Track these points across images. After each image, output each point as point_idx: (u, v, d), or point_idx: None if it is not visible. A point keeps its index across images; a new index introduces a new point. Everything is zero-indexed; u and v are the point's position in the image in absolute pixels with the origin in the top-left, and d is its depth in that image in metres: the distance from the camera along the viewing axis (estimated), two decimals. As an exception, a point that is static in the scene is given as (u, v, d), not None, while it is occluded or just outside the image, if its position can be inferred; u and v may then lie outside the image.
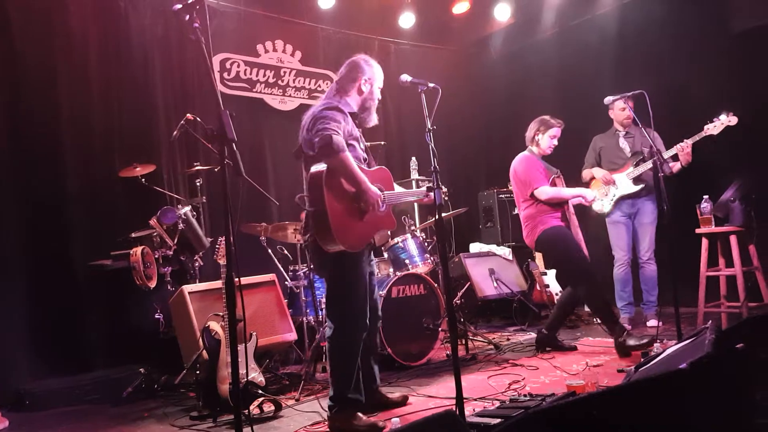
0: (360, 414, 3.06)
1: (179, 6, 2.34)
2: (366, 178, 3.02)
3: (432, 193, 2.88)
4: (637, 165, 4.89)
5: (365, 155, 3.27)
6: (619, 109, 5.03)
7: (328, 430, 3.09)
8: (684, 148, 4.49)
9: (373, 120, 3.35)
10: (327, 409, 3.12)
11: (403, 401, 3.41)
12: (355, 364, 3.10)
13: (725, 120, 4.45)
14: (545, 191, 4.34)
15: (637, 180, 4.91)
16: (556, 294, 5.63)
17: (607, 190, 5.04)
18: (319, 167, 2.95)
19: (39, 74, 4.58)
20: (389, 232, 5.04)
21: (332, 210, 2.90)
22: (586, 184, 5.20)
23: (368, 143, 5.14)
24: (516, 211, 5.01)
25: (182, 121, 4.16)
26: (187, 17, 2.32)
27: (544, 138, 4.46)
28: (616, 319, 4.16)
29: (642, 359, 3.06)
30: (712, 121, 4.49)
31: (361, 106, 3.27)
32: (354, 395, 3.09)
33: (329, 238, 2.91)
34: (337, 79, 3.28)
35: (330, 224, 2.87)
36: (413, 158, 5.89)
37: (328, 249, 2.96)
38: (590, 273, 4.22)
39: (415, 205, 5.72)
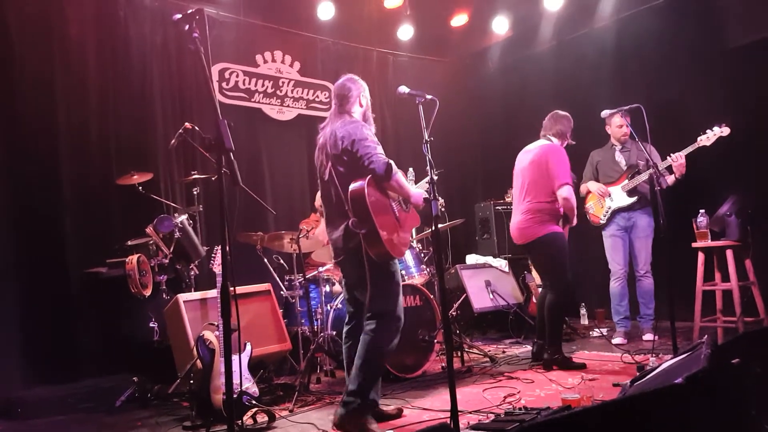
0: (373, 419, 3.11)
1: (179, 16, 2.36)
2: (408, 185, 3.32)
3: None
4: (632, 178, 4.92)
5: None
6: (617, 126, 5.07)
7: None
8: (677, 158, 4.52)
9: (373, 129, 3.44)
10: (341, 405, 3.12)
11: (397, 414, 3.40)
12: (384, 368, 3.22)
13: (718, 131, 4.50)
14: (570, 191, 4.19)
15: (631, 192, 4.94)
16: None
17: (603, 202, 5.07)
18: (357, 185, 3.09)
19: (37, 81, 4.59)
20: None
21: (380, 225, 3.06)
22: (583, 199, 5.23)
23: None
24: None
25: (180, 130, 4.17)
26: (187, 27, 2.33)
27: (568, 139, 4.48)
28: (560, 339, 4.38)
29: (638, 373, 3.06)
30: (705, 133, 4.53)
31: (363, 118, 3.38)
32: (374, 396, 3.15)
33: (384, 253, 3.08)
34: (338, 102, 3.36)
35: (382, 240, 3.05)
36: (410, 169, 5.85)
37: (376, 256, 3.09)
38: (568, 288, 4.38)
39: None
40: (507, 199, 6.59)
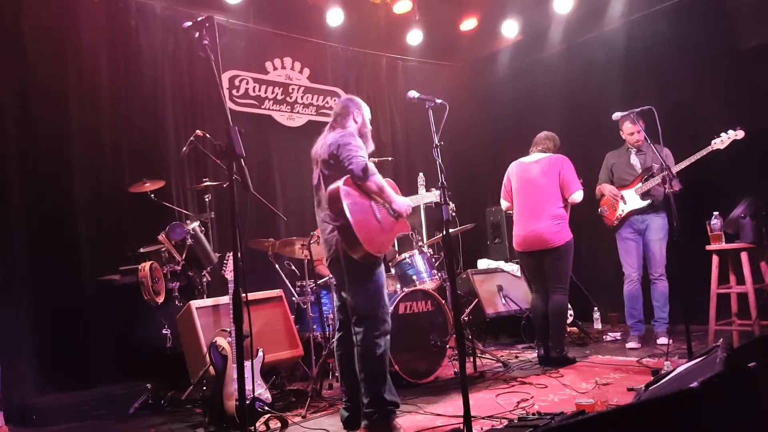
0: (397, 422, 3.18)
1: (189, 24, 2.38)
2: (392, 191, 3.34)
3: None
4: (646, 180, 4.89)
5: None
6: (628, 133, 5.05)
7: None
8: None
9: (371, 146, 3.53)
10: (365, 418, 3.16)
11: None
12: (387, 365, 3.25)
13: (732, 134, 4.48)
14: (582, 195, 4.56)
15: (645, 195, 4.91)
16: (570, 313, 5.61)
17: (617, 206, 5.04)
18: (335, 185, 3.19)
19: (50, 90, 4.63)
20: (396, 248, 5.07)
21: (355, 220, 3.10)
22: (598, 201, 5.21)
23: (376, 159, 5.19)
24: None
25: (192, 137, 4.19)
26: (197, 35, 2.36)
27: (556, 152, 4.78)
28: (564, 338, 4.68)
29: (652, 377, 3.03)
30: (718, 136, 4.50)
31: (358, 133, 3.44)
32: (390, 397, 3.20)
33: (357, 246, 3.12)
34: (333, 119, 3.50)
35: (356, 233, 3.08)
36: (420, 174, 5.87)
37: (356, 255, 3.14)
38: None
39: (423, 220, 5.72)
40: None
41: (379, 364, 3.19)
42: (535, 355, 4.79)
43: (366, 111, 3.53)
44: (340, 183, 3.17)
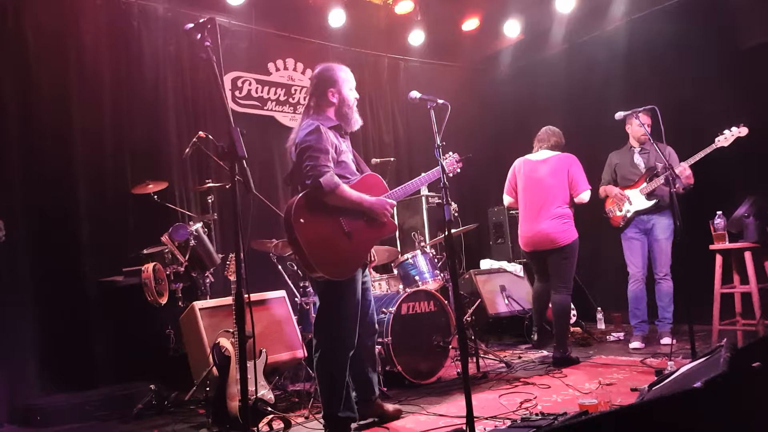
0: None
1: (191, 25, 2.38)
2: (365, 195, 3.14)
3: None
4: (650, 180, 4.88)
5: (355, 166, 3.33)
6: (637, 125, 4.98)
7: None
8: (683, 170, 4.49)
9: (357, 121, 3.34)
10: (323, 427, 3.18)
11: (397, 414, 3.44)
12: (344, 383, 3.14)
13: (736, 131, 4.47)
14: (589, 196, 4.53)
15: (650, 195, 4.90)
16: (573, 313, 5.59)
17: (622, 206, 5.02)
18: (290, 201, 3.04)
19: (52, 92, 4.64)
20: (399, 249, 5.07)
21: (306, 244, 2.98)
22: (603, 202, 5.20)
23: (378, 160, 5.20)
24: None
25: (194, 139, 4.20)
26: (199, 36, 2.35)
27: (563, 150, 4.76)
28: (567, 338, 4.62)
29: (656, 378, 3.02)
30: (722, 133, 4.49)
31: (338, 115, 3.29)
32: (345, 413, 3.14)
33: (313, 270, 3.04)
34: (308, 97, 3.33)
35: (309, 258, 2.98)
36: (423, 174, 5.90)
37: (314, 275, 3.08)
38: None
39: (425, 221, 5.72)
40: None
41: (331, 381, 3.12)
42: (539, 355, 4.79)
43: (345, 82, 3.26)
44: (294, 202, 2.99)
